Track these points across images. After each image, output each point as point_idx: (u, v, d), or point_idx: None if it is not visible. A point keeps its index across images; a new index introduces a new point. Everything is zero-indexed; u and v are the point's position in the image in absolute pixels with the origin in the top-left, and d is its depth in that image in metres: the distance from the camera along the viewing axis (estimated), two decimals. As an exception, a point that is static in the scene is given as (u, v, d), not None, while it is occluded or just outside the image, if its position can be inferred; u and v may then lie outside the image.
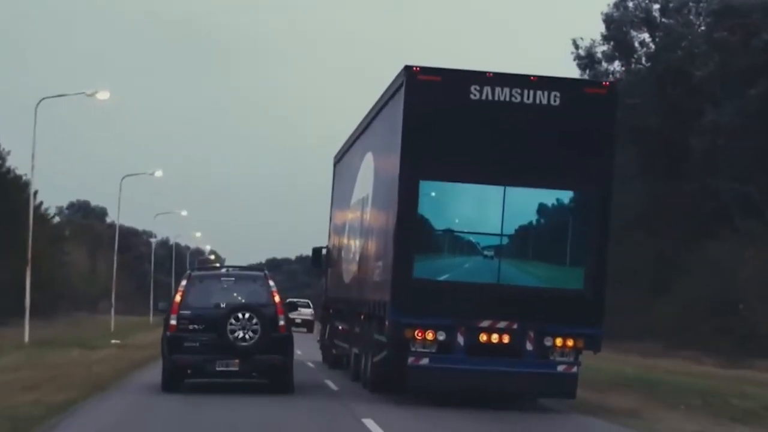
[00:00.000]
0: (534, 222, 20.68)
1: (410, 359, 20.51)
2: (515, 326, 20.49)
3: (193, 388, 23.15)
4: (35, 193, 72.25)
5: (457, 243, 20.64)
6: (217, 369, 22.09)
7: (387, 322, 20.78)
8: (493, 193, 20.56)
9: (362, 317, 24.35)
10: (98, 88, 46.85)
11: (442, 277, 20.54)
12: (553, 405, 22.13)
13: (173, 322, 22.24)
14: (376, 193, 23.67)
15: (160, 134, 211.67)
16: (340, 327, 29.52)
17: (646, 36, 59.94)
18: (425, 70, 20.73)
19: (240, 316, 21.92)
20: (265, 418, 18.97)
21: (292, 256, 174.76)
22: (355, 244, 26.89)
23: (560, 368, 20.64)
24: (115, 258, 69.37)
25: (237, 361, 21.94)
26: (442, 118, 20.63)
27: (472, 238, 20.63)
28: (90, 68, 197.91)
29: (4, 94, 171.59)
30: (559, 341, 20.57)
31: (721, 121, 51.42)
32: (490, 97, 20.58)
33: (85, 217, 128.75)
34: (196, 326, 22.14)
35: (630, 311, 53.60)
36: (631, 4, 59.52)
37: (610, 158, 21.14)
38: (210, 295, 22.62)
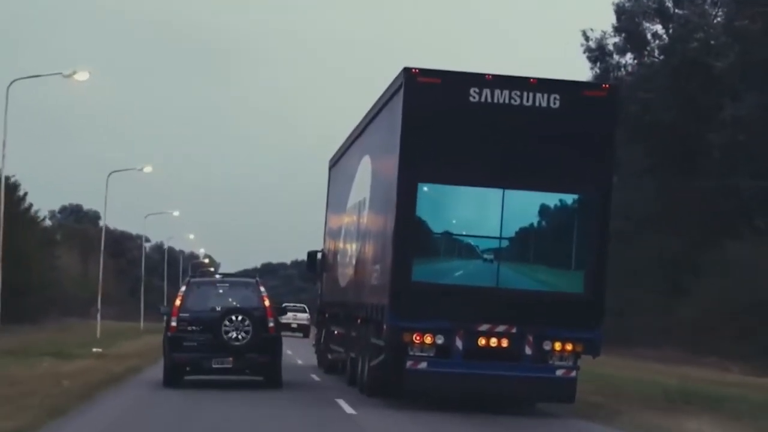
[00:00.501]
0: (533, 225, 20.79)
1: (408, 363, 20.62)
2: (514, 330, 20.61)
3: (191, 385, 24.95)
4: (24, 195, 72.45)
5: (455, 246, 20.76)
6: (213, 366, 24.59)
7: (385, 326, 20.89)
8: (492, 195, 20.67)
9: (359, 321, 24.43)
10: (77, 69, 42.48)
11: (441, 281, 20.65)
12: (552, 409, 22.21)
13: (174, 323, 24.80)
14: (374, 195, 23.76)
15: (157, 135, 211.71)
16: (335, 331, 29.59)
17: (659, 27, 58.63)
18: (424, 72, 20.84)
19: (233, 318, 24.41)
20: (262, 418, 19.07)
21: (288, 261, 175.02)
22: (351, 247, 26.96)
23: (559, 372, 20.75)
24: (101, 259, 65.67)
25: (231, 359, 24.47)
26: (441, 121, 20.75)
27: (471, 241, 20.74)
28: (88, 68, 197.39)
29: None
30: (558, 345, 20.70)
31: (741, 114, 50.08)
32: (489, 100, 20.69)
33: (77, 221, 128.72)
34: (194, 327, 24.71)
35: (643, 315, 52.01)
36: (643, -6, 58.14)
37: (609, 161, 21.30)
38: (207, 300, 25.22)
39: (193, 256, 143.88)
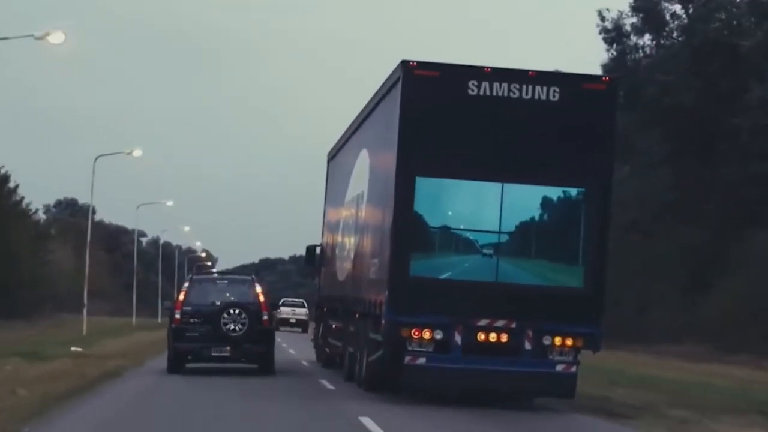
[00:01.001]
0: (533, 219, 20.90)
1: (407, 358, 20.76)
2: (513, 325, 20.75)
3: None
4: (16, 187, 72.04)
5: (454, 240, 20.88)
6: (213, 354, 27.42)
7: (383, 321, 21.01)
8: (491, 189, 20.78)
9: (357, 316, 24.59)
10: (50, 30, 37.28)
11: (440, 275, 20.78)
12: (552, 404, 22.36)
13: (177, 316, 27.64)
14: (372, 189, 23.89)
15: (154, 136, 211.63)
16: (334, 326, 29.76)
17: (678, 7, 56.87)
18: (422, 64, 20.95)
19: (231, 311, 27.25)
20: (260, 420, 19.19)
21: (286, 256, 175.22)
22: (349, 241, 27.10)
23: (559, 367, 20.89)
24: (88, 251, 63.50)
25: (228, 348, 27.27)
26: (440, 114, 20.86)
27: (469, 235, 20.85)
28: (82, 69, 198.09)
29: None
30: (558, 340, 20.81)
31: (770, 96, 48.12)
32: (488, 93, 20.79)
33: (72, 215, 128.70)
34: (195, 320, 27.48)
35: (663, 310, 50.87)
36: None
37: (610, 154, 21.41)
38: (207, 295, 27.98)
39: (190, 251, 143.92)
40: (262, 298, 27.78)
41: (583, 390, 22.49)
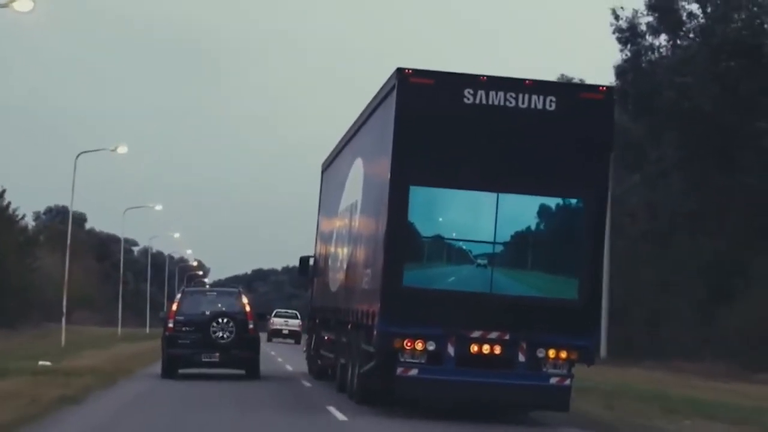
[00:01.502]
0: (528, 230, 20.93)
1: (399, 370, 20.77)
2: (507, 337, 20.79)
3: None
4: (2, 192, 71.40)
5: (448, 251, 20.90)
6: (203, 360, 30.07)
7: (375, 332, 21.05)
8: (486, 199, 20.83)
9: (349, 326, 24.64)
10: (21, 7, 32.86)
11: (433, 286, 20.79)
12: (545, 418, 22.42)
13: (170, 325, 30.35)
14: (366, 199, 23.96)
15: (145, 139, 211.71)
16: (326, 337, 29.82)
17: (695, 6, 54.96)
18: (418, 72, 21.01)
19: (220, 320, 30.03)
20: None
21: (279, 267, 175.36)
22: (342, 252, 27.16)
23: (553, 380, 20.90)
24: (67, 255, 60.42)
25: (217, 354, 29.99)
26: (435, 123, 20.89)
27: (463, 245, 20.88)
28: (77, 72, 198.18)
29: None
30: (552, 353, 20.81)
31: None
32: (484, 102, 20.84)
33: (63, 222, 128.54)
34: (187, 328, 30.17)
35: (678, 324, 49.63)
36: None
37: (606, 165, 21.48)
38: (198, 305, 30.77)
39: (182, 261, 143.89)
40: (248, 309, 30.77)
41: (634, 420, 22.09)
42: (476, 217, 20.88)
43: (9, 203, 76.05)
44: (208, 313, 30.24)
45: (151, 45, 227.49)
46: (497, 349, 20.82)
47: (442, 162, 20.88)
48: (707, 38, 53.01)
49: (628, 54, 55.69)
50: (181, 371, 30.57)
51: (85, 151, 58.82)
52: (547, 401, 21.24)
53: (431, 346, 20.73)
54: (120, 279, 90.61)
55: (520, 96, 20.88)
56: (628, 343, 53.29)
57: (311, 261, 34.50)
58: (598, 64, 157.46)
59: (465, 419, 21.41)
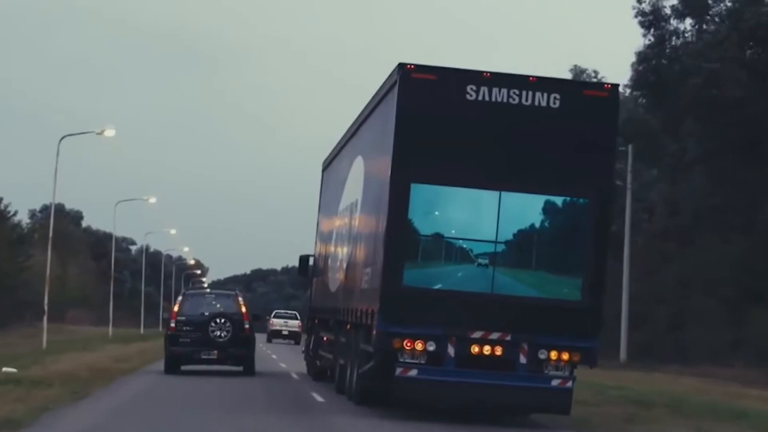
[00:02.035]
0: (530, 229, 20.86)
1: (398, 370, 20.75)
2: (508, 338, 20.75)
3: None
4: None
5: (449, 250, 20.84)
6: (202, 357, 32.76)
7: (374, 332, 21.01)
8: (488, 198, 20.78)
9: (348, 327, 24.63)
10: None
11: (433, 285, 20.76)
12: (547, 421, 22.41)
13: (172, 325, 33.09)
14: (366, 197, 23.93)
15: (143, 137, 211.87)
16: (325, 337, 29.82)
17: None
18: (420, 68, 20.96)
19: (218, 320, 32.70)
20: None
21: (278, 267, 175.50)
22: (342, 251, 27.13)
23: (555, 383, 20.87)
24: (49, 249, 57.71)
25: (216, 352, 32.63)
26: (437, 119, 20.84)
27: (465, 244, 20.83)
28: (75, 75, 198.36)
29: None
30: (554, 354, 20.78)
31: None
32: (487, 98, 20.80)
33: (58, 220, 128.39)
34: (188, 328, 32.83)
35: (704, 327, 47.95)
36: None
37: (610, 163, 21.43)
38: (198, 307, 33.54)
39: (180, 260, 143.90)
40: (244, 309, 33.48)
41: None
42: (478, 215, 20.82)
43: (1, 199, 75.86)
44: (207, 313, 32.96)
45: (151, 45, 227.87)
46: (498, 350, 20.78)
47: (444, 159, 20.82)
48: (736, 22, 51.14)
49: (651, 39, 53.83)
50: (182, 368, 33.20)
51: (69, 135, 54.75)
52: (548, 404, 21.21)
53: (431, 347, 20.70)
54: (111, 276, 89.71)
55: (524, 93, 20.84)
56: (647, 346, 51.62)
57: (311, 260, 34.52)
58: (614, 54, 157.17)
59: (465, 421, 21.39)
